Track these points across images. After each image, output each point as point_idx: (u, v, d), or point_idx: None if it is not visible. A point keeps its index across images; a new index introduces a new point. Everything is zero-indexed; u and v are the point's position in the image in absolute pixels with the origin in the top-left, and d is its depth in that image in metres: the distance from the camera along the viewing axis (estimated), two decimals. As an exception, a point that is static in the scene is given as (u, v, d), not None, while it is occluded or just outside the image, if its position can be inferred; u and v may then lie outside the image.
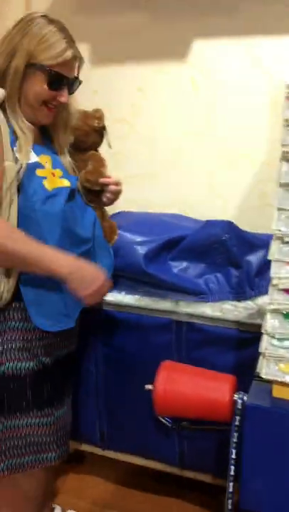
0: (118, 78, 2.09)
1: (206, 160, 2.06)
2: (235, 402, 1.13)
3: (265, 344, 0.93)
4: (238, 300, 1.61)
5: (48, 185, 1.18)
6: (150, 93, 2.04)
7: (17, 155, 1.15)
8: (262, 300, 1.60)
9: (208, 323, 1.51)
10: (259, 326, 1.45)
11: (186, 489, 1.81)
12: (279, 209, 0.91)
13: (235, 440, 1.14)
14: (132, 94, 2.06)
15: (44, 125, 1.29)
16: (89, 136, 1.38)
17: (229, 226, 1.63)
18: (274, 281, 0.91)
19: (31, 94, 1.18)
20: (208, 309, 1.60)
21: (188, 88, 1.99)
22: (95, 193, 1.38)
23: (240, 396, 1.14)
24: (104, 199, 1.39)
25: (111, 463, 1.76)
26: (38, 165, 1.20)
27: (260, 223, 1.97)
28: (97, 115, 1.38)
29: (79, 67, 1.25)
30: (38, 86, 1.17)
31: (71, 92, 1.24)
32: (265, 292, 1.59)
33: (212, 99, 1.97)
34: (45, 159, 1.24)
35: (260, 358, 0.96)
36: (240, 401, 1.14)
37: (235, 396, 1.14)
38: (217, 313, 1.54)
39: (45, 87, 1.18)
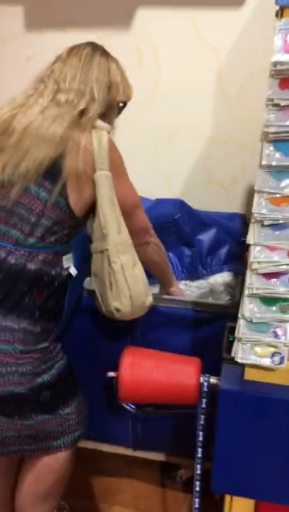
0: (56, 46, 1.95)
1: (149, 134, 2.00)
2: (201, 385, 1.12)
3: (242, 329, 0.92)
4: (191, 279, 1.60)
5: None
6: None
7: None
8: (214, 279, 1.60)
9: (163, 304, 1.48)
10: (215, 306, 1.46)
11: (136, 468, 1.81)
12: (259, 191, 0.88)
13: (202, 423, 1.13)
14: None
15: None
16: None
17: (181, 204, 1.61)
18: (253, 266, 0.89)
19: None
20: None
21: (133, 60, 1.90)
22: None
23: (206, 378, 1.13)
24: None
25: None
26: None
27: (206, 201, 1.97)
28: None
29: None
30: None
31: None
32: (217, 271, 1.61)
33: (156, 72, 1.91)
34: None
35: (236, 342, 0.95)
36: (206, 383, 1.12)
37: (201, 379, 1.12)
38: (172, 294, 1.52)
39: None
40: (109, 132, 1.18)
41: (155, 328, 1.50)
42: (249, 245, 0.93)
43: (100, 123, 1.16)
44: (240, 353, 0.94)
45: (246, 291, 0.89)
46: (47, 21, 1.93)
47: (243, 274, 1.63)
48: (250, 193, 1.95)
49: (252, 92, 1.83)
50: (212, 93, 1.88)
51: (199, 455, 1.11)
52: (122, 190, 1.18)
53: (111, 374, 1.20)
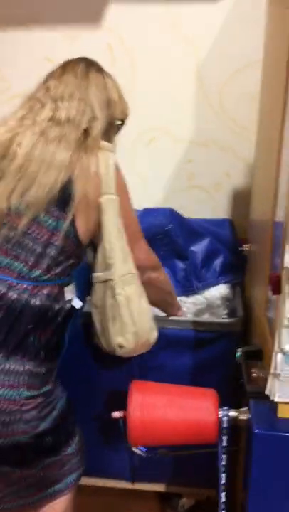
0: (21, 46, 1.80)
1: (126, 138, 1.85)
2: (220, 421, 1.00)
3: (279, 364, 0.80)
4: (186, 295, 1.47)
5: None
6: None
7: None
8: (210, 293, 1.49)
9: (161, 325, 1.35)
10: (217, 325, 1.34)
11: (135, 501, 1.67)
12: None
13: (224, 463, 1.01)
14: (39, 65, 1.77)
15: None
16: None
17: (172, 214, 1.49)
18: (295, 294, 0.78)
19: None
20: (156, 309, 1.44)
21: (105, 58, 1.75)
22: None
23: (225, 413, 1.01)
24: None
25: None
26: None
27: (188, 207, 1.85)
28: None
29: None
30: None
31: None
32: (212, 284, 1.49)
33: (131, 71, 1.77)
34: None
35: (271, 378, 0.83)
36: (225, 418, 1.00)
37: (220, 413, 1.00)
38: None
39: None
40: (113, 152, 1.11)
41: (154, 351, 1.37)
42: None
43: (104, 143, 1.09)
44: (279, 391, 0.82)
45: (285, 322, 0.77)
46: (7, 18, 1.76)
47: (241, 285, 1.54)
48: (236, 198, 1.86)
49: (234, 90, 1.73)
50: (192, 93, 1.77)
51: (223, 499, 0.99)
52: (126, 216, 1.10)
53: (117, 414, 1.06)
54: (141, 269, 1.15)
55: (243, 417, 0.99)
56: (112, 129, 1.16)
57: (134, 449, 1.07)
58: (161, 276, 1.26)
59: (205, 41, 1.70)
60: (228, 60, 1.70)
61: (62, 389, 1.13)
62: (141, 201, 1.68)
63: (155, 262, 1.22)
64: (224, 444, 1.01)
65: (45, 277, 1.03)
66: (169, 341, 1.36)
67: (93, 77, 1.12)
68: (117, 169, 1.09)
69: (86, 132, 1.06)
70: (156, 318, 1.35)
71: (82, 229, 1.05)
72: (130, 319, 1.10)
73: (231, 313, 1.48)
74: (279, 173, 0.92)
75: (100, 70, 1.16)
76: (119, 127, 1.20)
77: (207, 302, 1.48)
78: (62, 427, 1.10)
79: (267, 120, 1.14)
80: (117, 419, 1.06)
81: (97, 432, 1.48)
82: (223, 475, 1.01)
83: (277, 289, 0.84)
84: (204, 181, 1.86)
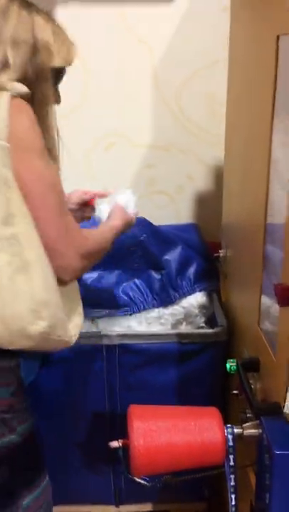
0: None
1: (82, 144, 1.78)
2: (226, 440, 0.95)
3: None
4: (164, 306, 1.42)
5: None
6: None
7: None
8: (187, 302, 1.45)
9: (141, 340, 1.29)
10: (201, 336, 1.30)
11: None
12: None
13: (233, 484, 0.96)
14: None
15: None
16: None
17: (144, 223, 1.42)
18: None
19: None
20: (134, 323, 1.39)
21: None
22: None
23: (230, 430, 0.96)
24: None
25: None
26: None
27: (150, 213, 1.80)
28: None
29: None
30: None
31: None
32: (188, 293, 1.45)
33: (84, 74, 1.69)
34: None
35: (289, 395, 0.79)
36: (231, 436, 0.96)
37: (225, 431, 0.96)
38: (153, 329, 1.34)
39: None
40: (28, 99, 0.90)
41: (136, 368, 1.31)
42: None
43: (11, 85, 0.89)
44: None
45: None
46: None
47: (217, 292, 1.51)
48: (199, 201, 1.83)
49: (193, 92, 1.70)
50: (149, 96, 1.72)
51: (234, 522, 0.95)
52: (26, 171, 0.88)
53: (115, 444, 0.98)
54: (51, 252, 0.91)
55: (249, 433, 0.95)
56: (43, 80, 0.94)
57: (137, 479, 1.00)
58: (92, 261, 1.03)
59: (160, 43, 1.66)
60: (185, 61, 1.67)
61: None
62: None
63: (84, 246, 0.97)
64: (232, 463, 0.96)
65: None
66: (150, 356, 1.30)
67: (14, 14, 0.91)
68: (17, 111, 0.88)
69: None
70: (136, 334, 1.30)
71: None
72: None
73: (209, 322, 1.44)
74: (270, 176, 0.89)
75: (26, 5, 0.94)
76: (58, 77, 1.00)
77: (184, 311, 1.43)
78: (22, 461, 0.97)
79: (244, 122, 1.11)
80: (115, 449, 0.98)
81: (78, 457, 1.40)
82: (233, 496, 0.96)
83: (285, 301, 0.81)
84: (166, 186, 1.81)
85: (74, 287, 1.04)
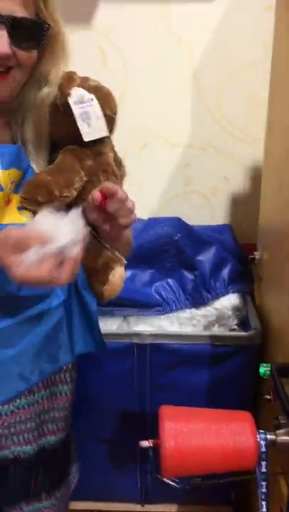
0: None
1: (118, 143, 1.78)
2: (259, 445, 0.93)
3: None
4: (196, 307, 1.41)
5: None
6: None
7: None
8: (220, 304, 1.43)
9: (173, 340, 1.28)
10: (234, 338, 1.29)
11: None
12: None
13: (264, 490, 0.95)
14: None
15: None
16: (56, 123, 0.84)
17: (179, 223, 1.42)
18: None
19: None
20: (165, 323, 1.38)
21: (97, 60, 1.68)
22: None
23: (263, 436, 0.95)
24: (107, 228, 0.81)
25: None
26: None
27: (185, 212, 1.79)
28: (64, 82, 0.82)
29: (38, 2, 0.76)
30: None
31: (21, 40, 0.74)
32: (222, 294, 1.43)
33: (124, 73, 1.69)
34: (12, 176, 0.79)
35: None
36: (263, 443, 0.94)
37: (258, 437, 0.94)
38: (185, 329, 1.33)
39: None
40: None
41: (167, 369, 1.30)
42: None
43: None
44: None
45: None
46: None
47: (251, 294, 1.48)
48: (234, 202, 1.81)
49: (232, 92, 1.68)
50: (188, 95, 1.70)
51: (265, 529, 0.93)
52: None
53: (146, 444, 0.98)
54: None
55: (283, 439, 0.93)
56: None
57: (166, 480, 0.99)
58: None
59: (201, 42, 1.64)
60: (225, 61, 1.65)
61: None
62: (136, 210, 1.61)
63: None
64: (263, 470, 0.94)
65: None
66: (182, 357, 1.29)
67: None
68: None
69: None
70: (169, 334, 1.29)
71: None
72: None
73: (242, 324, 1.43)
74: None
75: None
76: None
77: (217, 313, 1.42)
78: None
79: (287, 122, 1.09)
80: (145, 449, 0.98)
81: (107, 455, 1.40)
82: (264, 503, 0.95)
83: None
84: (201, 186, 1.80)
85: None
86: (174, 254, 1.38)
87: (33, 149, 0.83)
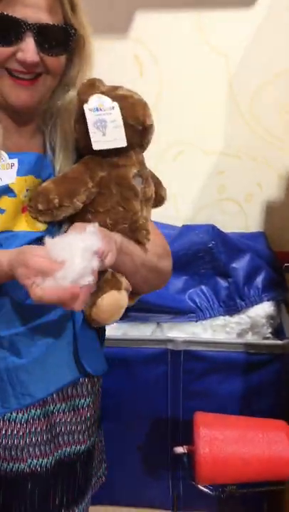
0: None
1: (152, 151, 1.80)
2: (294, 455, 0.93)
3: None
4: (230, 314, 1.41)
5: None
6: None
7: None
8: (254, 311, 1.42)
9: (208, 348, 1.28)
10: (269, 347, 1.28)
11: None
12: None
13: (300, 501, 0.94)
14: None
15: (20, 111, 0.80)
16: (78, 131, 0.80)
17: (213, 230, 1.42)
18: None
19: None
20: (199, 329, 1.38)
21: (134, 70, 1.70)
22: None
23: (299, 446, 0.94)
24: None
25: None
26: (6, 191, 0.78)
27: (218, 219, 1.79)
28: (83, 88, 0.80)
29: (65, 8, 0.75)
30: None
31: (49, 46, 0.74)
32: (256, 302, 1.43)
33: (159, 81, 1.71)
34: (29, 183, 0.80)
35: None
36: (299, 452, 0.93)
37: (293, 447, 0.93)
38: (218, 337, 1.33)
39: None
40: None
41: (200, 375, 1.30)
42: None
43: None
44: None
45: None
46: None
47: (285, 303, 1.48)
48: (268, 210, 1.80)
49: (267, 99, 1.67)
50: (222, 103, 1.71)
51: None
52: None
53: (180, 450, 0.98)
54: None
55: None
56: None
57: (201, 487, 0.99)
58: None
59: (236, 49, 1.64)
60: (261, 68, 1.65)
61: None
62: (169, 217, 1.62)
63: None
64: (299, 480, 0.94)
65: None
66: (215, 364, 1.29)
67: None
68: None
69: None
70: (203, 341, 1.29)
71: None
72: None
73: (276, 333, 1.42)
74: None
75: None
76: None
77: (251, 321, 1.41)
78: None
79: None
80: (179, 455, 0.99)
81: (139, 461, 1.41)
82: (299, 514, 0.94)
83: None
84: (235, 193, 1.80)
85: None
86: (208, 262, 1.39)
87: (61, 156, 0.83)
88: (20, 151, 0.81)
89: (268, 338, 1.40)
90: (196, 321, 1.37)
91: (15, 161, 0.78)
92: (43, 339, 0.84)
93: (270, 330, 1.43)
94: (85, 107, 0.77)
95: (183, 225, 1.49)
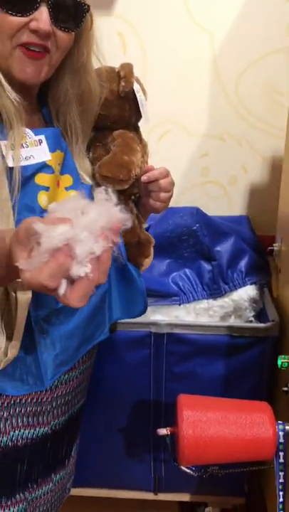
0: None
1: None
2: (277, 436, 0.93)
3: None
4: (214, 298, 1.40)
5: (45, 201, 0.77)
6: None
7: (3, 149, 0.72)
8: (238, 295, 1.42)
9: (192, 331, 1.28)
10: (252, 330, 1.28)
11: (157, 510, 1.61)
12: None
13: (281, 481, 0.95)
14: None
15: (32, 85, 0.81)
16: (111, 108, 0.93)
17: (198, 213, 1.41)
18: None
19: None
20: (182, 313, 1.38)
21: (117, 47, 1.67)
22: (126, 196, 0.95)
23: (282, 427, 0.94)
24: (146, 204, 0.99)
25: (80, 500, 1.46)
26: (43, 167, 0.78)
27: (202, 202, 1.78)
28: (122, 73, 0.91)
29: None
30: None
31: (62, 20, 0.74)
32: (239, 285, 1.42)
33: (143, 61, 1.68)
34: (59, 158, 0.82)
35: None
36: (282, 433, 0.94)
37: (277, 428, 0.94)
38: (201, 320, 1.33)
39: None
40: None
41: (183, 358, 1.30)
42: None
43: None
44: None
45: None
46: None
47: (269, 286, 1.48)
48: (252, 193, 1.79)
49: (253, 81, 1.66)
50: (208, 84, 1.69)
51: (281, 519, 0.93)
52: None
53: (163, 432, 0.98)
54: None
55: (301, 431, 0.93)
56: None
57: (185, 468, 0.99)
58: None
59: (222, 29, 1.62)
60: (247, 49, 1.63)
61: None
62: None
63: None
64: (281, 460, 0.94)
65: None
66: (198, 347, 1.29)
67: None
68: None
69: None
70: (186, 324, 1.29)
71: None
72: None
73: (259, 316, 1.42)
74: None
75: None
76: None
77: (234, 304, 1.41)
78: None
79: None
80: (161, 437, 0.98)
81: (120, 443, 1.41)
82: (281, 493, 0.95)
83: None
84: (219, 176, 1.79)
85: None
86: (192, 245, 1.38)
87: (75, 132, 0.87)
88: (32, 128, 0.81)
89: (251, 322, 1.40)
90: (180, 305, 1.37)
91: (42, 137, 0.80)
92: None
93: (253, 313, 1.43)
94: (135, 88, 0.92)
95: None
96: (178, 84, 1.69)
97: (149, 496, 1.51)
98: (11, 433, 0.88)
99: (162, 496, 1.52)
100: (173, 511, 1.61)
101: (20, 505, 0.93)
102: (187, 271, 1.40)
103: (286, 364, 1.06)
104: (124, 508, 1.57)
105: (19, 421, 0.89)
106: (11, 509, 0.91)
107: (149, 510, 1.59)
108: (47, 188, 0.78)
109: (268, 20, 1.58)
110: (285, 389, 1.11)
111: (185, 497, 1.53)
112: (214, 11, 1.60)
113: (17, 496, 0.92)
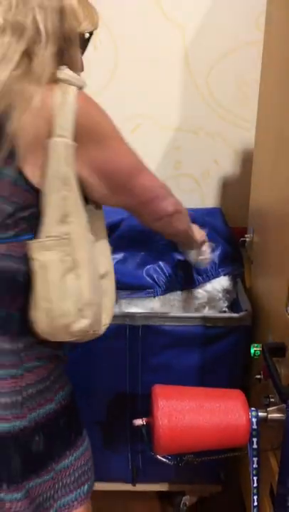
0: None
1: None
2: (250, 423, 0.95)
3: None
4: (188, 289, 1.42)
5: None
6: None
7: None
8: (211, 286, 1.44)
9: (167, 322, 1.29)
10: (226, 320, 1.30)
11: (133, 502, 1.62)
12: None
13: (255, 466, 0.97)
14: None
15: None
16: None
17: (170, 206, 1.41)
18: None
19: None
20: (157, 305, 1.39)
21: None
22: None
23: (254, 414, 0.97)
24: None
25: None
26: None
27: (176, 195, 1.79)
28: None
29: None
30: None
31: None
32: (213, 277, 1.44)
33: (114, 54, 1.68)
34: None
35: None
36: (255, 420, 0.96)
37: (250, 414, 0.96)
38: (176, 311, 1.34)
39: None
40: (81, 88, 0.87)
41: (158, 350, 1.31)
42: None
43: (65, 73, 0.86)
44: None
45: None
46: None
47: (241, 277, 1.50)
48: (225, 186, 1.82)
49: (224, 74, 1.67)
50: (179, 77, 1.70)
51: (255, 503, 0.96)
52: (108, 159, 0.92)
53: (139, 422, 0.99)
54: (154, 204, 1.05)
55: (274, 417, 0.95)
56: (71, 45, 0.89)
57: (160, 457, 1.01)
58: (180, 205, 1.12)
59: (192, 23, 1.63)
60: (217, 42, 1.64)
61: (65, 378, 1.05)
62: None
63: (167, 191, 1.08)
64: (255, 446, 0.96)
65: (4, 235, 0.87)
66: (173, 339, 1.30)
67: None
68: (85, 107, 0.87)
69: (29, 55, 0.83)
70: (160, 316, 1.30)
71: (34, 172, 0.85)
72: (43, 292, 0.89)
73: (232, 306, 1.44)
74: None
75: None
76: (86, 42, 0.94)
77: (208, 295, 1.43)
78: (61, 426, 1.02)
79: (280, 104, 1.09)
80: (137, 427, 0.99)
81: (97, 435, 1.42)
82: (255, 478, 0.97)
83: None
84: (192, 169, 1.80)
85: (111, 282, 1.05)
86: (164, 237, 1.38)
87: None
88: None
89: (224, 312, 1.42)
90: (154, 297, 1.37)
91: None
92: None
93: (226, 304, 1.45)
94: None
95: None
96: (149, 78, 1.69)
97: (128, 487, 1.53)
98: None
99: (140, 487, 1.53)
100: (152, 501, 1.63)
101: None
102: (161, 263, 1.41)
103: (258, 352, 1.08)
104: (102, 499, 1.57)
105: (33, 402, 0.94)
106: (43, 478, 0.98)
107: (128, 502, 1.60)
108: None
109: (238, 14, 1.60)
110: (258, 376, 1.14)
111: (163, 487, 1.55)
112: (185, 4, 1.61)
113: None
